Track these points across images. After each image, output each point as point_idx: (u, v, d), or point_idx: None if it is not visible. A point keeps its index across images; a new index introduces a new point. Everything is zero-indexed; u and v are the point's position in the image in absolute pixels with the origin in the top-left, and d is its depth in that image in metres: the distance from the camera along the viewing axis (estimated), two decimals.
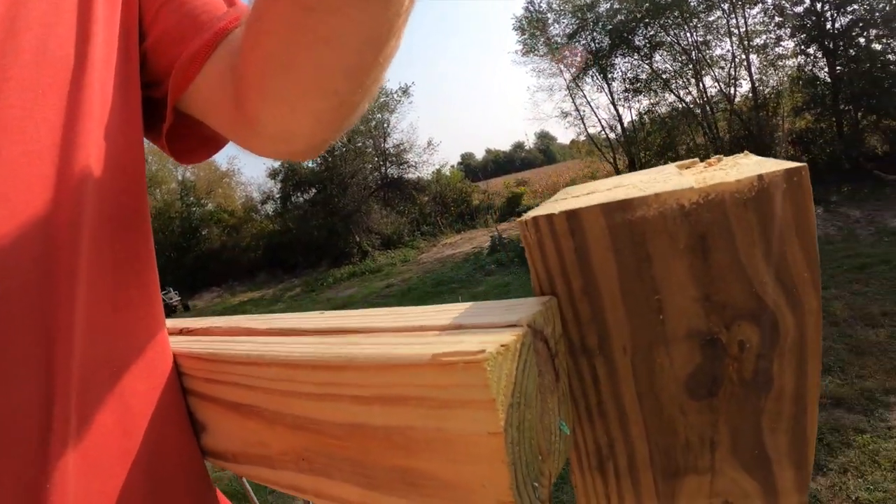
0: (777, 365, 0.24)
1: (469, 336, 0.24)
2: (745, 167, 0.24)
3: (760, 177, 0.21)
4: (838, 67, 9.31)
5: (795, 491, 0.26)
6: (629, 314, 0.25)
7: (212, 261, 14.59)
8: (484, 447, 0.21)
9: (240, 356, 0.35)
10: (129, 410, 0.36)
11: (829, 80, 9.49)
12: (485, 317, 0.26)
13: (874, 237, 5.57)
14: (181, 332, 0.48)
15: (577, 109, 13.52)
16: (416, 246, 13.50)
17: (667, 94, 11.66)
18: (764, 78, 10.66)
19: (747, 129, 10.52)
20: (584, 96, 13.31)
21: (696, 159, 0.30)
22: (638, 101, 12.32)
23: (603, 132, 13.34)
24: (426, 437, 0.24)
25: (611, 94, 12.45)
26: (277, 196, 15.78)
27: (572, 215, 0.24)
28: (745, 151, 0.29)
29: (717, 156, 0.29)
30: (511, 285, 7.08)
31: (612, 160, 13.19)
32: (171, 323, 0.49)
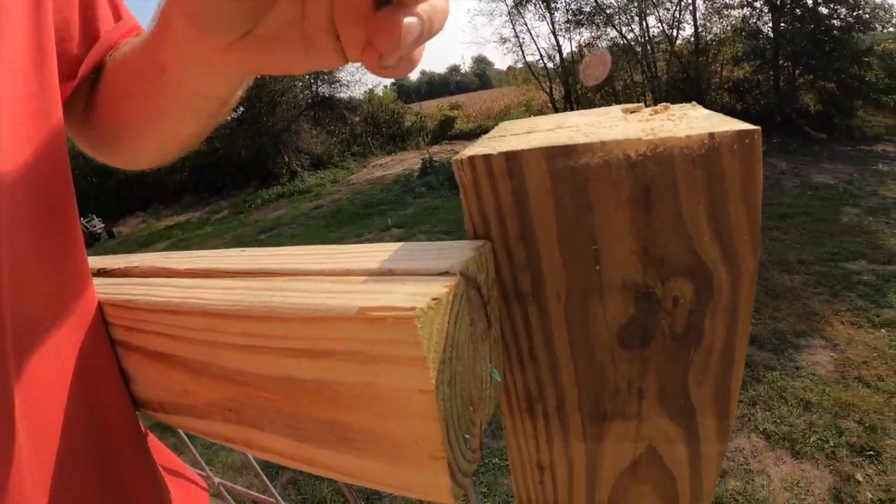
0: (709, 321, 0.24)
1: (398, 285, 0.22)
2: (695, 121, 0.23)
3: (712, 135, 0.20)
4: (783, 24, 9.53)
5: (716, 439, 0.27)
6: (565, 262, 0.24)
7: (135, 185, 13.83)
8: (415, 404, 0.21)
9: (159, 304, 0.32)
10: (65, 364, 0.36)
11: (771, 35, 9.72)
12: (416, 261, 0.25)
13: (798, 189, 5.95)
14: (98, 272, 0.44)
15: (516, 36, 13.38)
16: (347, 167, 13.35)
17: (609, 30, 11.64)
18: (708, 24, 10.80)
19: (685, 72, 10.71)
20: (525, 24, 13.25)
21: (642, 105, 0.29)
22: (579, 33, 12.30)
23: (541, 61, 13.31)
24: (355, 392, 0.23)
25: (552, 23, 12.33)
26: None
27: (512, 157, 0.23)
28: (693, 102, 0.28)
29: (664, 104, 0.28)
30: (440, 208, 7.06)
31: (548, 90, 13.20)
32: (89, 262, 0.45)
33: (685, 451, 0.29)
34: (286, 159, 13.39)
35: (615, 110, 0.30)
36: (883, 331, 3.25)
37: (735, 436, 2.69)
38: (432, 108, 18.15)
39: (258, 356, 0.27)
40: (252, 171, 13.51)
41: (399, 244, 0.29)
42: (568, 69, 12.47)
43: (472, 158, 0.24)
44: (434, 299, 0.20)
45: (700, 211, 0.22)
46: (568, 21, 12.04)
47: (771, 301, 3.81)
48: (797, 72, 9.57)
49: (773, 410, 2.78)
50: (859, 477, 2.29)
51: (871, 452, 2.40)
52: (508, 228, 0.25)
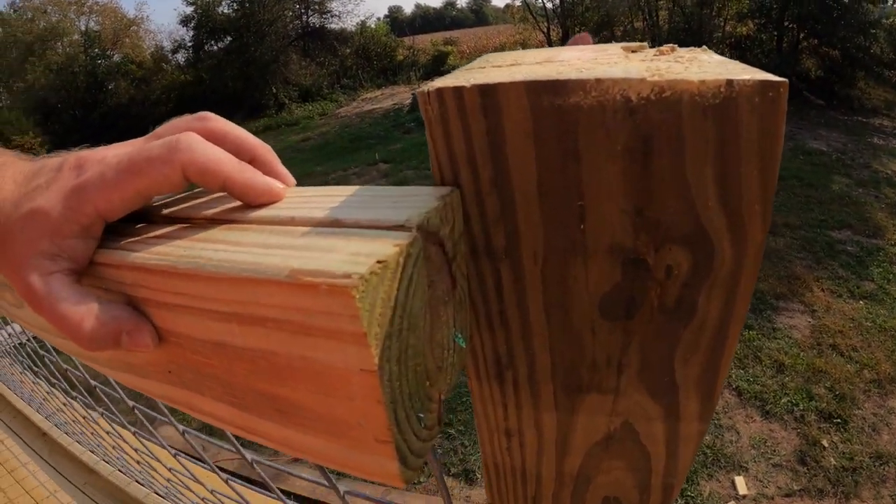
0: (704, 297, 0.21)
1: (342, 241, 0.19)
2: (708, 66, 0.19)
3: (731, 83, 0.16)
4: None
5: (697, 419, 0.25)
6: (545, 218, 0.21)
7: (120, 117, 13.39)
8: (356, 385, 0.18)
9: (97, 255, 0.28)
10: None
11: None
12: (368, 210, 0.21)
13: (791, 153, 5.90)
14: None
15: None
16: (336, 99, 13.08)
17: None
18: None
19: (688, 23, 10.35)
20: None
21: (645, 44, 0.25)
22: None
23: (540, 0, 12.81)
24: (291, 366, 0.19)
25: None
26: (189, 45, 14.46)
27: (488, 91, 0.19)
28: (704, 47, 0.24)
29: (671, 44, 0.23)
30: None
31: (545, 30, 12.79)
32: None
33: (663, 429, 0.27)
34: (274, 91, 13.03)
35: (614, 47, 0.26)
36: (861, 302, 3.31)
37: None
38: (426, 42, 17.55)
39: (189, 317, 0.23)
40: (239, 102, 13.13)
41: (355, 188, 0.25)
42: (567, 10, 12.03)
43: (440, 91, 0.20)
44: (379, 262, 0.16)
45: (707, 171, 0.18)
46: None
47: None
48: (801, 35, 9.26)
49: (746, 369, 2.86)
50: (825, 443, 2.39)
51: (839, 420, 2.49)
52: (481, 175, 0.21)
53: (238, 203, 0.26)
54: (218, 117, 0.30)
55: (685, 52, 0.23)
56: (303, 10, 14.13)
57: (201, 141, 0.25)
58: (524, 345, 0.26)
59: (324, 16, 14.44)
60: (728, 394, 2.70)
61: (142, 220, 0.28)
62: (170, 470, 1.04)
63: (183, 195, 0.31)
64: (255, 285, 0.18)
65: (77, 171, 0.25)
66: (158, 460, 1.06)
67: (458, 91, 0.19)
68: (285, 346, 0.19)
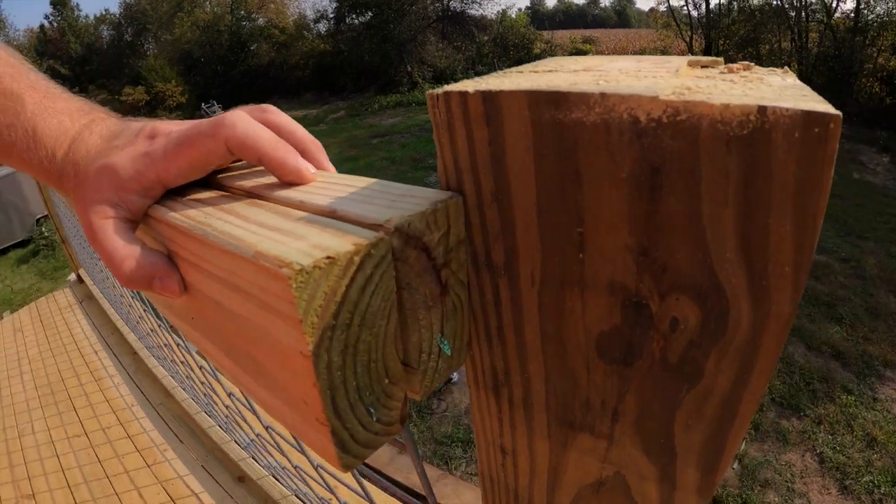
0: (713, 362, 0.18)
1: (316, 231, 0.19)
2: (760, 89, 0.16)
3: (763, 110, 0.13)
4: None
5: (696, 492, 0.22)
6: (543, 240, 0.19)
7: (259, 77, 14.48)
8: (298, 365, 0.18)
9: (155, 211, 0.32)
10: None
11: None
12: (364, 205, 0.21)
13: None
14: None
15: None
16: None
17: None
18: (872, 2, 9.15)
19: (837, 49, 9.26)
20: None
21: (721, 60, 0.21)
22: None
23: (686, 7, 11.95)
24: (258, 335, 0.20)
25: None
26: (331, 16, 15.21)
27: (490, 98, 0.17)
28: (786, 68, 0.20)
29: (746, 62, 0.20)
30: None
31: (687, 40, 12.06)
32: None
33: (657, 492, 0.24)
34: (408, 69, 13.42)
35: (679, 61, 0.23)
36: None
37: (791, 449, 2.51)
38: (565, 38, 17.27)
39: (200, 275, 0.25)
40: (373, 76, 13.66)
41: (372, 180, 0.25)
42: (712, 20, 11.15)
43: (447, 94, 0.19)
44: (329, 258, 0.16)
45: (727, 216, 0.15)
46: None
47: (869, 320, 3.39)
48: None
49: (835, 436, 2.55)
50: None
51: None
52: (483, 186, 0.20)
53: (273, 180, 0.28)
54: (278, 111, 0.32)
55: (758, 71, 0.20)
56: None
57: (245, 118, 0.27)
58: (520, 365, 0.25)
59: (465, 1, 14.52)
60: (809, 458, 2.42)
61: (202, 186, 0.31)
62: (227, 407, 1.13)
63: (248, 169, 0.33)
64: (233, 259, 0.19)
65: (149, 141, 0.29)
66: (217, 395, 1.16)
67: (463, 96, 0.18)
68: (254, 316, 0.20)
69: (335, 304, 0.17)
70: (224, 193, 0.29)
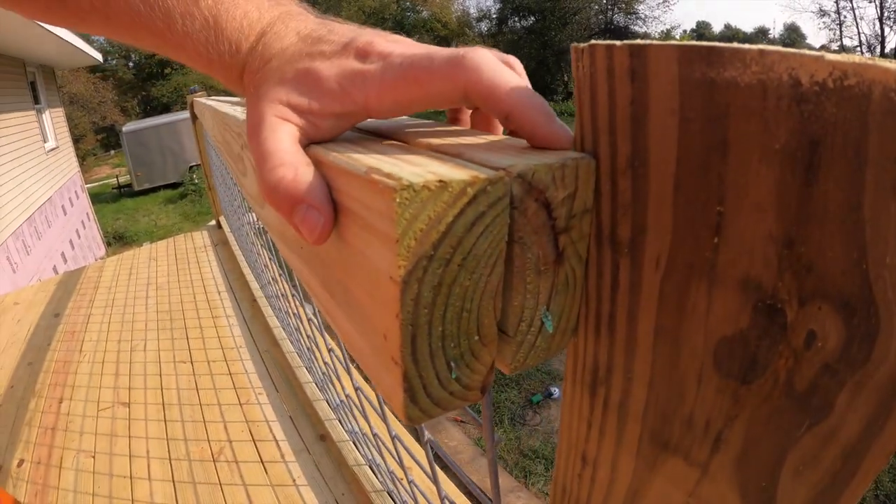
0: (846, 396, 0.15)
1: (437, 163, 0.19)
2: None
3: None
4: None
5: None
6: (676, 217, 0.17)
7: None
8: (385, 291, 0.17)
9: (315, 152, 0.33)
10: None
11: None
12: (496, 154, 0.20)
13: None
14: None
15: (838, 12, 10.59)
16: None
17: None
18: None
19: None
20: (851, 0, 10.32)
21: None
22: None
23: (859, 49, 10.35)
24: (356, 261, 0.20)
25: (881, 7, 9.31)
26: (494, 16, 15.60)
27: (637, 52, 0.16)
28: None
29: None
30: None
31: None
32: None
33: None
34: (565, 78, 13.39)
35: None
36: None
37: None
38: None
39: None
40: (530, 81, 14.06)
41: (505, 138, 0.25)
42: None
43: (592, 47, 0.18)
44: (440, 181, 0.16)
45: (894, 210, 0.12)
46: None
47: None
48: None
49: None
50: None
51: None
52: (619, 150, 0.18)
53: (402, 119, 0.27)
54: (521, 65, 0.27)
55: None
56: (609, 7, 14.17)
57: (492, 60, 0.22)
58: (625, 363, 0.23)
59: (629, 16, 14.34)
60: None
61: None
62: (325, 364, 1.20)
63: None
64: (348, 177, 0.20)
65: (361, 58, 0.24)
66: (319, 350, 1.23)
67: (609, 49, 0.17)
68: (355, 239, 0.20)
69: (438, 232, 0.16)
70: (401, 144, 0.27)
